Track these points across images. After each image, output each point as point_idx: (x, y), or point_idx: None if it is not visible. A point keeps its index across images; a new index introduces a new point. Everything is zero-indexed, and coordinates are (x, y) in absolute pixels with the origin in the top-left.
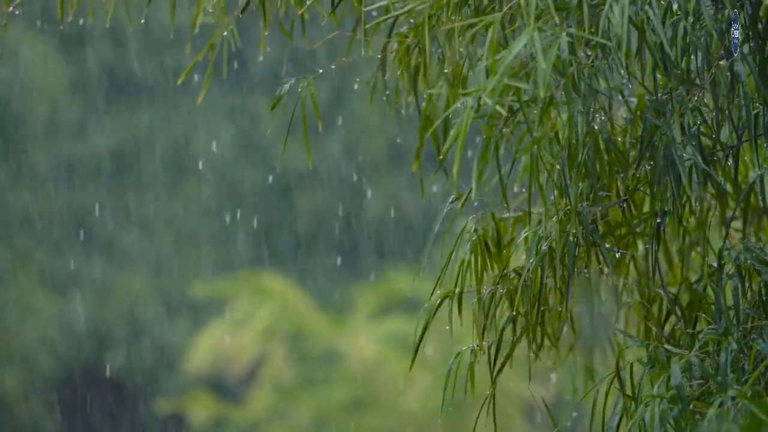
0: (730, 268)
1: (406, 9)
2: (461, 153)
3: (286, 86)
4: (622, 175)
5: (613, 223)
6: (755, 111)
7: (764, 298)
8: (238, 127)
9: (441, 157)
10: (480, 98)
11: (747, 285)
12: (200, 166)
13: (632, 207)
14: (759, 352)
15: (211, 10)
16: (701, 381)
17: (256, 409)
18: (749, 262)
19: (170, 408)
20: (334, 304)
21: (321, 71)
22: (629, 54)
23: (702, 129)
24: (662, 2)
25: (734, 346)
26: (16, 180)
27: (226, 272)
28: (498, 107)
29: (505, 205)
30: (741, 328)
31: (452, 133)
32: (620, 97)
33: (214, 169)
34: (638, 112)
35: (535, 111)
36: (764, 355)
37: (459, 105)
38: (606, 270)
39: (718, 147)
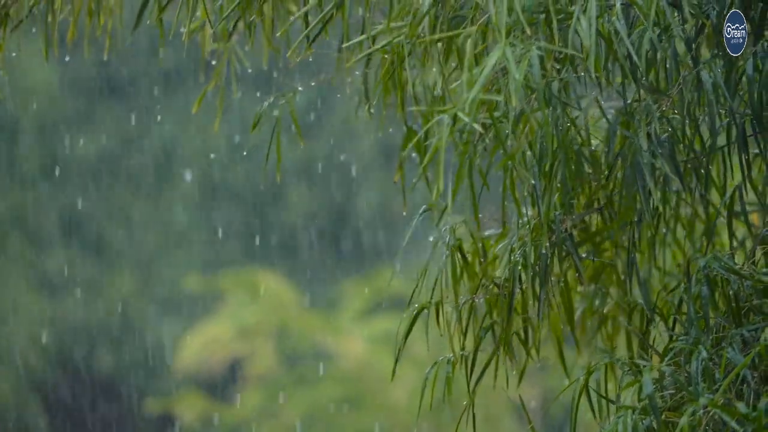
0: (700, 276)
1: (383, 44)
2: (441, 169)
3: (266, 104)
4: (596, 184)
5: (588, 233)
6: (726, 120)
7: (734, 306)
8: (228, 126)
9: (421, 169)
10: (456, 115)
11: (718, 294)
12: (190, 165)
13: (603, 216)
14: (729, 360)
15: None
16: (673, 392)
17: (245, 408)
18: (718, 271)
19: (159, 407)
20: (323, 303)
21: (300, 89)
22: (598, 66)
23: (673, 139)
24: (629, 15)
25: (704, 354)
26: (5, 179)
27: (215, 271)
28: (474, 125)
29: (476, 225)
30: (712, 337)
31: (430, 150)
32: (596, 104)
33: (203, 168)
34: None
35: (507, 127)
36: (735, 363)
37: (436, 121)
38: (580, 279)
39: (693, 155)
